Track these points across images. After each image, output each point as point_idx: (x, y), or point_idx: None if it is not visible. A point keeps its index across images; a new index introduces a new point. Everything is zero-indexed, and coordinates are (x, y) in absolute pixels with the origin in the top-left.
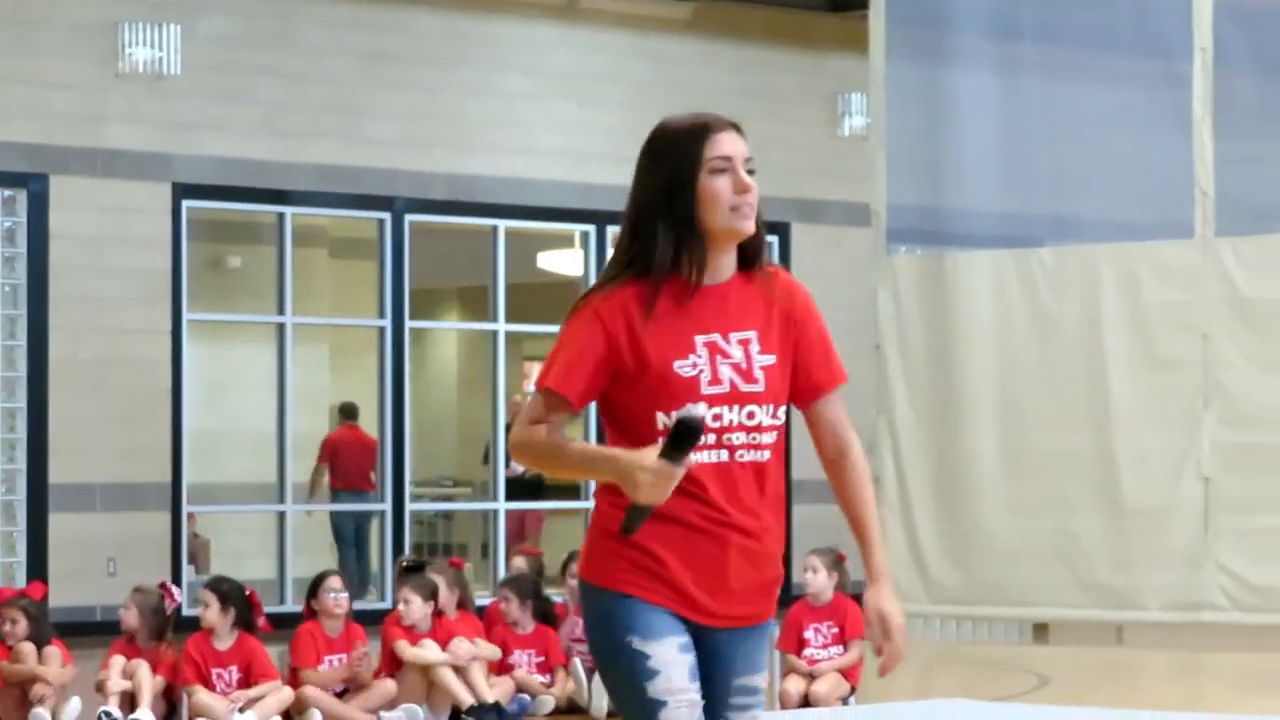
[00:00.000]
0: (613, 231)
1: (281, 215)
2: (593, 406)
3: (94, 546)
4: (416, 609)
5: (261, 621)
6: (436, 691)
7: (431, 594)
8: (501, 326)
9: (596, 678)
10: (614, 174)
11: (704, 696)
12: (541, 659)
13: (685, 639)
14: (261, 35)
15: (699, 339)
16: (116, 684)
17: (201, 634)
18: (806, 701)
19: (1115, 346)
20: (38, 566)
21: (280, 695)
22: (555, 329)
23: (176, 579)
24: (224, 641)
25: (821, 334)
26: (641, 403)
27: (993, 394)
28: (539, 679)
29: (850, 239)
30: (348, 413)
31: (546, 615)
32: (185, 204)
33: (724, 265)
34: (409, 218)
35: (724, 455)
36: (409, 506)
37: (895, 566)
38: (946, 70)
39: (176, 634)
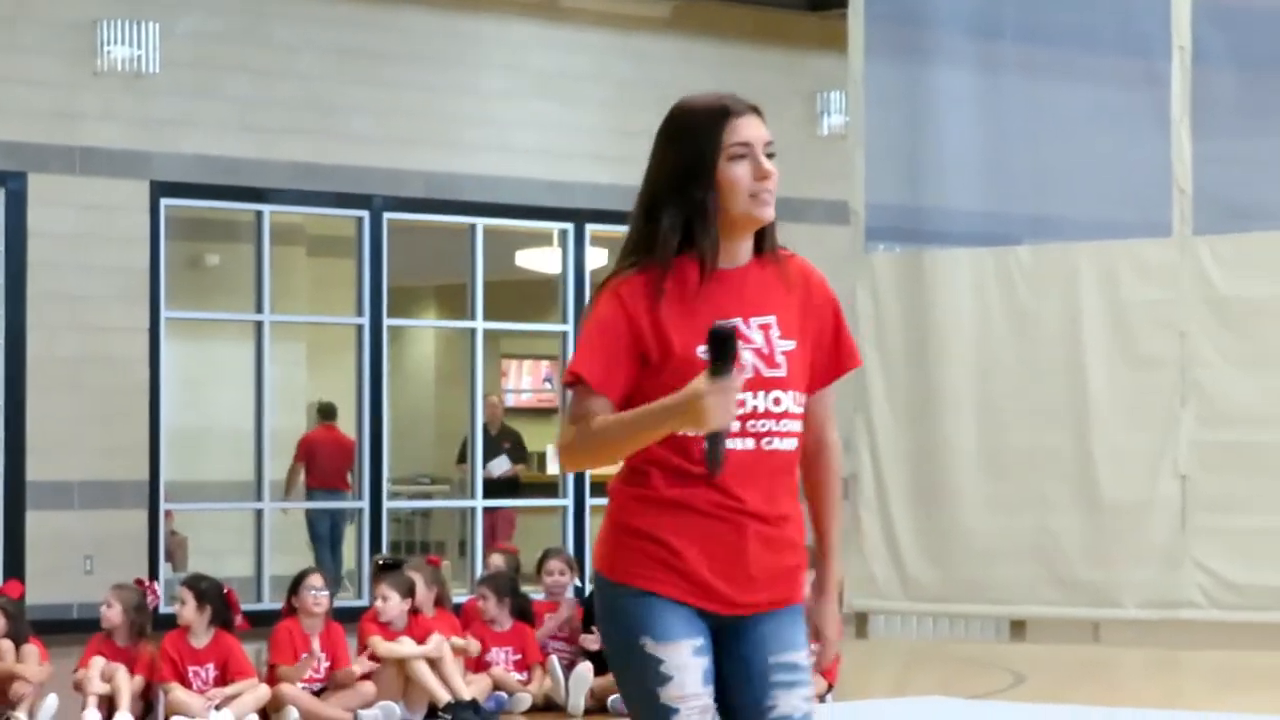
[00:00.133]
0: (592, 229)
1: (260, 213)
2: None
3: (71, 544)
4: (394, 606)
5: (239, 619)
6: (413, 688)
7: (409, 591)
8: (480, 324)
9: (573, 675)
10: (593, 172)
11: (744, 680)
12: (519, 656)
13: (700, 640)
14: (241, 33)
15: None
16: (96, 686)
17: (178, 631)
18: None
19: (1093, 345)
20: (15, 565)
21: (257, 693)
22: (533, 327)
23: (154, 576)
24: (201, 639)
25: (838, 320)
26: (666, 391)
27: (971, 392)
28: (516, 676)
29: (830, 237)
30: (326, 413)
31: (524, 613)
32: (164, 202)
33: (741, 250)
34: (387, 216)
35: (750, 444)
36: (386, 504)
37: (873, 564)
38: (926, 69)
39: (154, 631)
